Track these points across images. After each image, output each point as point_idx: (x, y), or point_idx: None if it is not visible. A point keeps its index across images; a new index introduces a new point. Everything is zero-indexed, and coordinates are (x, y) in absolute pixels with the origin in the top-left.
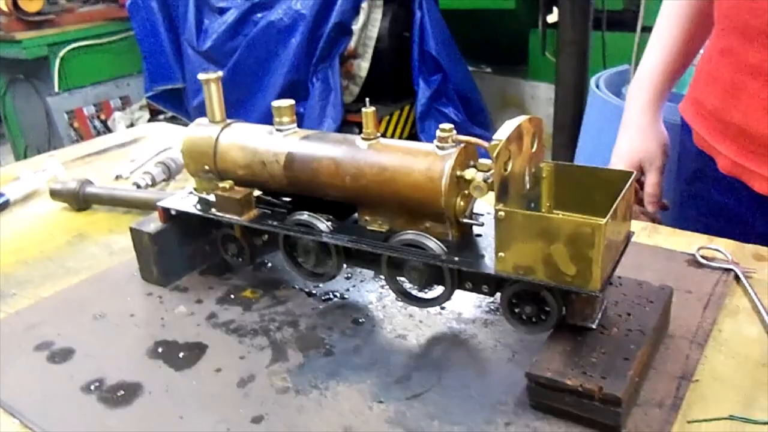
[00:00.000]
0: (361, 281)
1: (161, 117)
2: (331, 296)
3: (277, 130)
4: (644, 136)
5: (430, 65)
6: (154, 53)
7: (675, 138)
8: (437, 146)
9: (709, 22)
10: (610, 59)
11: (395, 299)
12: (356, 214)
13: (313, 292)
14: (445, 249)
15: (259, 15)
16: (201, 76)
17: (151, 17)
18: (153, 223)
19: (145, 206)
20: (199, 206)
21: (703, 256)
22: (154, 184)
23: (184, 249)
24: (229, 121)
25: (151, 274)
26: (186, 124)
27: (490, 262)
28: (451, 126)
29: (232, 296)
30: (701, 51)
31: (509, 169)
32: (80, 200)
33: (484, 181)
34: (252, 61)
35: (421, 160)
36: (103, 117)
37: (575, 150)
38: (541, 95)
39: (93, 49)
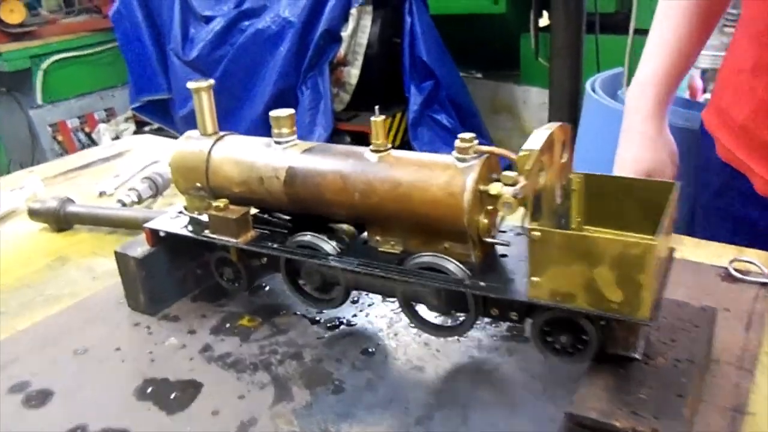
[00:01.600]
0: (369, 305)
1: (147, 128)
2: (337, 323)
3: (276, 142)
4: (652, 146)
5: (421, 71)
6: (138, 63)
7: (686, 144)
8: (457, 158)
9: (712, 20)
10: (602, 62)
11: (408, 325)
12: (365, 234)
13: (317, 318)
14: (468, 273)
15: (246, 23)
16: (191, 85)
17: (135, 27)
18: (140, 247)
19: (130, 225)
20: (190, 227)
21: (736, 269)
22: (140, 201)
23: (173, 274)
24: (221, 133)
25: (138, 301)
26: (173, 136)
27: (521, 288)
28: (473, 135)
29: (228, 325)
30: (713, 53)
31: (541, 182)
32: (61, 220)
33: (514, 196)
34: (240, 70)
35: (440, 173)
36: (87, 129)
37: (572, 154)
38: (533, 100)
39: (76, 61)
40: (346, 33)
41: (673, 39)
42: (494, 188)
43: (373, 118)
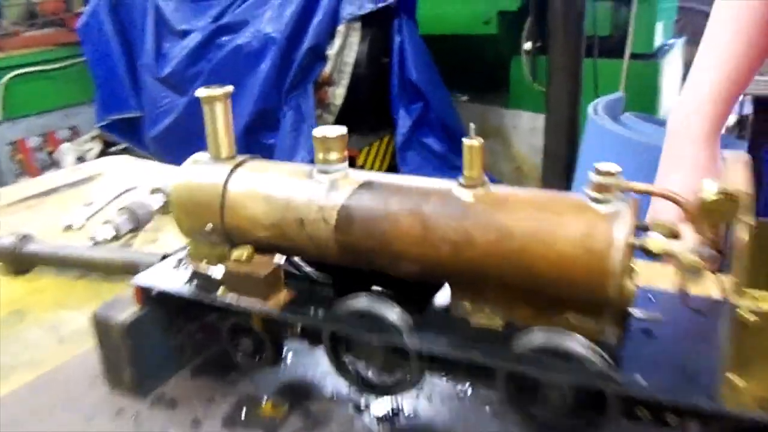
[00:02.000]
0: (432, 385)
1: (114, 149)
2: (391, 412)
3: (321, 171)
4: (705, 176)
5: (410, 93)
6: (107, 80)
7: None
8: (594, 199)
9: None
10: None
11: (490, 415)
12: (440, 297)
13: (363, 405)
14: (609, 360)
15: (224, 38)
16: (201, 93)
17: (104, 41)
18: (125, 308)
19: (106, 269)
20: (196, 283)
21: None
22: (117, 237)
23: (167, 341)
24: (241, 157)
25: (121, 379)
26: (144, 157)
27: (707, 390)
28: (616, 169)
29: (245, 413)
30: None
31: (726, 236)
32: (18, 261)
33: (701, 256)
34: None
35: (571, 220)
36: (49, 149)
37: (570, 182)
38: (524, 125)
39: (39, 76)
40: (332, 51)
41: (734, 51)
42: (655, 244)
43: (466, 141)
